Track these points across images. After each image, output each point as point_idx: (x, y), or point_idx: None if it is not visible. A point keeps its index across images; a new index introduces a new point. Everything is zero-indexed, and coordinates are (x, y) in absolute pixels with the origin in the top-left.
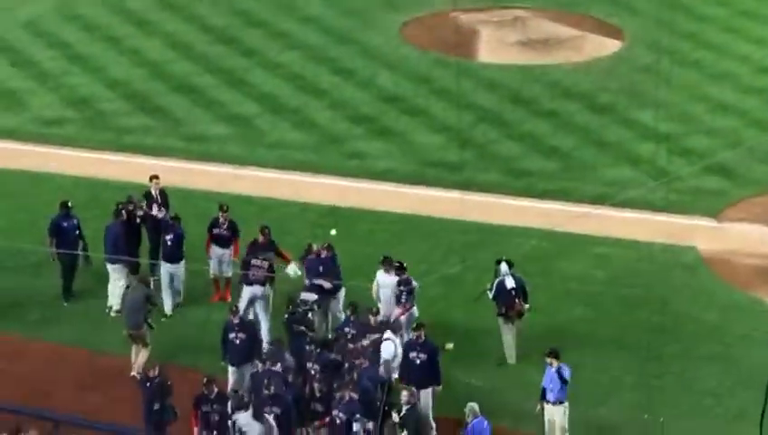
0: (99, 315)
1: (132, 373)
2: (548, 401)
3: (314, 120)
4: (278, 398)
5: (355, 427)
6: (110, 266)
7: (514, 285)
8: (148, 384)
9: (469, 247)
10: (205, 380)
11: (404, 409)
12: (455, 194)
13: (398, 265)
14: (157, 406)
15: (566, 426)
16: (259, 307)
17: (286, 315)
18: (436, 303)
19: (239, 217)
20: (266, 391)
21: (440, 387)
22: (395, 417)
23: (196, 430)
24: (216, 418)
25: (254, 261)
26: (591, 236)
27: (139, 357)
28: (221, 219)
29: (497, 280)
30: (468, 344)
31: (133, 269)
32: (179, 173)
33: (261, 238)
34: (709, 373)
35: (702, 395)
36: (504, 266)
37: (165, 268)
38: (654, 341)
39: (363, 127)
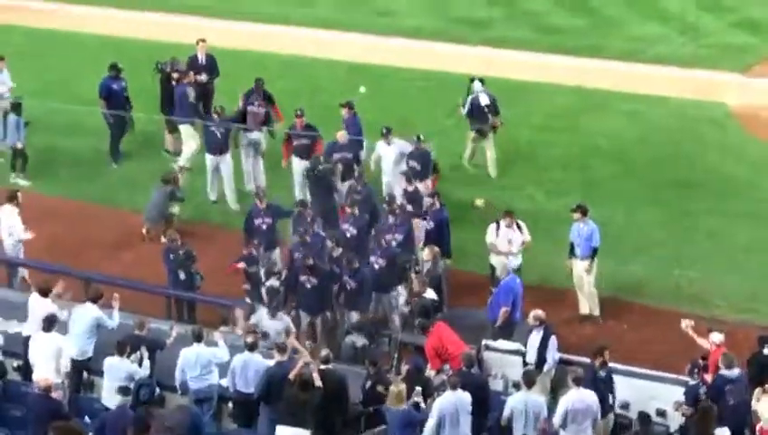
0: (140, 177)
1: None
2: (576, 257)
3: None
4: (315, 268)
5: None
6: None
7: (488, 102)
8: (171, 256)
9: (500, 103)
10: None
11: (425, 266)
12: (483, 51)
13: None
14: (183, 275)
15: (592, 281)
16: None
17: (305, 172)
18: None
19: (268, 75)
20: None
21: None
22: (420, 275)
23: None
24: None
25: (250, 108)
26: (620, 93)
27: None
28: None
29: (471, 97)
30: (497, 200)
31: (172, 129)
32: (215, 32)
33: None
34: (740, 229)
35: (733, 251)
36: (477, 84)
37: (209, 159)
38: (684, 197)
39: None
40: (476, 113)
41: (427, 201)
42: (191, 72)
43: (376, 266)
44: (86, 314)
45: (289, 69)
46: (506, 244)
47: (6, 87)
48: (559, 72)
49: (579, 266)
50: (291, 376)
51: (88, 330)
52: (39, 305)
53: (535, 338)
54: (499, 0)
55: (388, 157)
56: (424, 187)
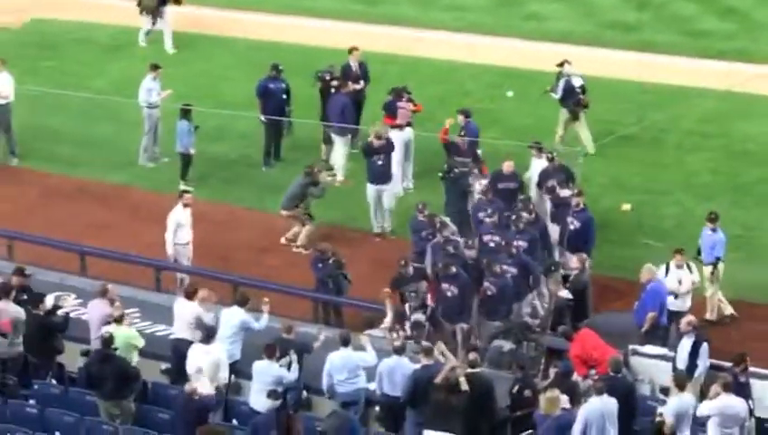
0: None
1: (294, 247)
2: (700, 261)
3: None
4: (457, 276)
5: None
6: (335, 137)
7: (582, 83)
8: (320, 265)
9: (646, 108)
10: (402, 262)
11: (572, 274)
12: (632, 55)
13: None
14: (331, 284)
15: (716, 288)
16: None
17: (441, 174)
18: (613, 163)
19: (417, 80)
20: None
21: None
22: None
23: None
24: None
25: (399, 103)
26: None
27: (301, 233)
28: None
29: (563, 79)
30: (644, 205)
31: (326, 139)
32: (359, 36)
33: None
34: None
35: None
36: (568, 66)
37: (372, 189)
38: None
39: None
40: (570, 95)
41: (573, 201)
42: (349, 82)
43: (508, 275)
44: (233, 317)
45: (437, 73)
46: (676, 284)
47: (159, 96)
48: (708, 77)
49: (704, 272)
50: (437, 380)
51: (235, 333)
52: (184, 309)
53: (687, 344)
54: (648, 3)
55: (536, 174)
56: (568, 191)
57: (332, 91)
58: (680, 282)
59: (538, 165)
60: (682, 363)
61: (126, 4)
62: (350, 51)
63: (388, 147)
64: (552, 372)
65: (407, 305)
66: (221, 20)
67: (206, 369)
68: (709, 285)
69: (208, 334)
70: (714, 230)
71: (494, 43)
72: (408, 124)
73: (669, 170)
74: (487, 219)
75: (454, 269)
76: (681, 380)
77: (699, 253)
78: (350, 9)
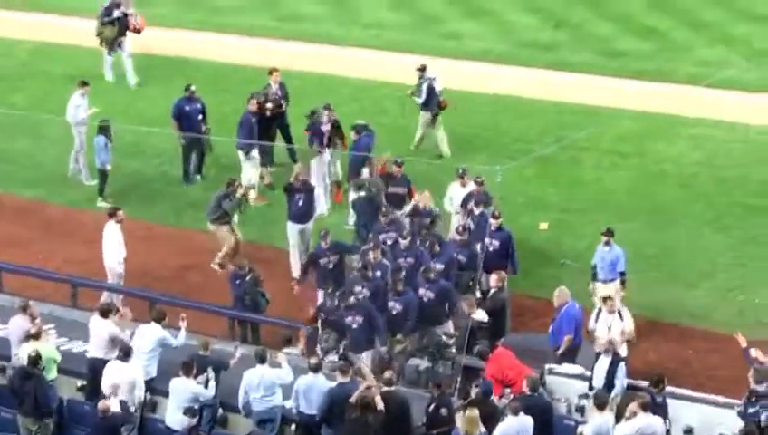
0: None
1: (211, 264)
2: (598, 280)
3: (410, 0)
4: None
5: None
6: (242, 157)
7: (442, 87)
8: (238, 282)
9: (564, 127)
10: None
11: (491, 292)
12: (549, 74)
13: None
14: (248, 300)
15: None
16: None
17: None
18: (531, 182)
19: (335, 98)
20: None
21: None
22: (471, 296)
23: None
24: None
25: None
26: (686, 117)
27: (221, 251)
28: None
29: (425, 84)
30: (562, 224)
31: (264, 161)
32: (274, 53)
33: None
34: None
35: None
36: (429, 71)
37: (293, 227)
38: (750, 222)
39: (459, 7)
40: (432, 99)
41: (491, 222)
42: (268, 103)
43: (425, 299)
44: (150, 333)
45: (355, 91)
46: (606, 330)
47: (85, 112)
48: (625, 97)
49: (600, 290)
50: (353, 399)
51: (152, 350)
52: (99, 327)
53: (604, 363)
54: (566, 23)
55: (458, 198)
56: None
57: (267, 114)
58: (609, 329)
59: (457, 188)
60: (599, 383)
61: (45, 19)
62: (270, 72)
63: (309, 186)
64: (474, 391)
65: (318, 346)
66: (137, 36)
67: (122, 387)
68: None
69: (125, 353)
70: (609, 245)
71: (413, 62)
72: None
73: (587, 190)
74: (401, 240)
75: (352, 300)
76: (601, 399)
77: (595, 275)
78: (267, 26)
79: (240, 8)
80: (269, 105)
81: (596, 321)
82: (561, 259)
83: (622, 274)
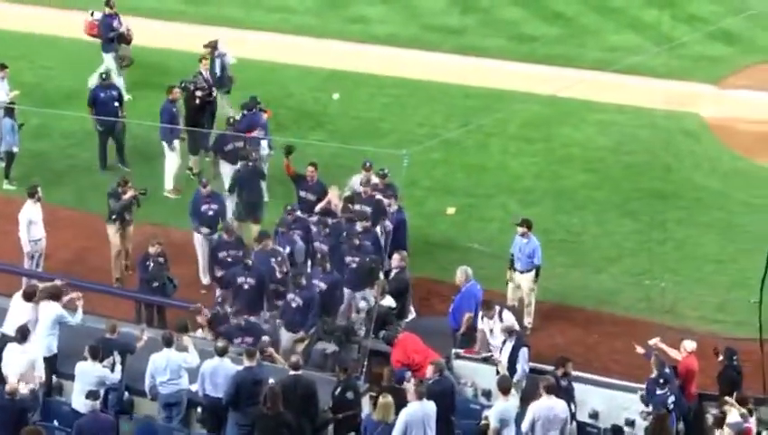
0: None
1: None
2: (515, 270)
3: None
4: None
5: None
6: (165, 145)
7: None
8: (147, 264)
9: (471, 112)
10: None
11: (393, 272)
12: (456, 59)
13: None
14: (155, 284)
15: (533, 295)
16: None
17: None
18: (438, 166)
19: (241, 82)
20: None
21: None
22: (381, 280)
23: None
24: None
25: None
26: (594, 102)
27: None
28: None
29: (219, 59)
30: (469, 209)
31: (191, 149)
32: (179, 36)
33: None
34: (711, 240)
35: (704, 261)
36: (221, 46)
37: (200, 237)
38: (656, 207)
39: None
40: (225, 75)
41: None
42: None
43: (316, 289)
44: (48, 311)
45: (261, 75)
46: (488, 332)
47: (7, 95)
48: (533, 81)
49: (517, 279)
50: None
51: (50, 327)
52: (21, 309)
53: (507, 348)
54: (473, 8)
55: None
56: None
57: (197, 101)
58: (491, 332)
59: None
60: (502, 368)
61: None
62: (201, 59)
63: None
64: (387, 375)
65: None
66: (44, 19)
67: (22, 368)
68: (526, 291)
69: (22, 335)
70: (526, 237)
71: (320, 46)
72: None
73: (493, 174)
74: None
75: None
76: (505, 383)
77: (512, 263)
78: (173, 9)
79: None
80: (198, 93)
81: (481, 320)
82: (468, 243)
83: (537, 266)
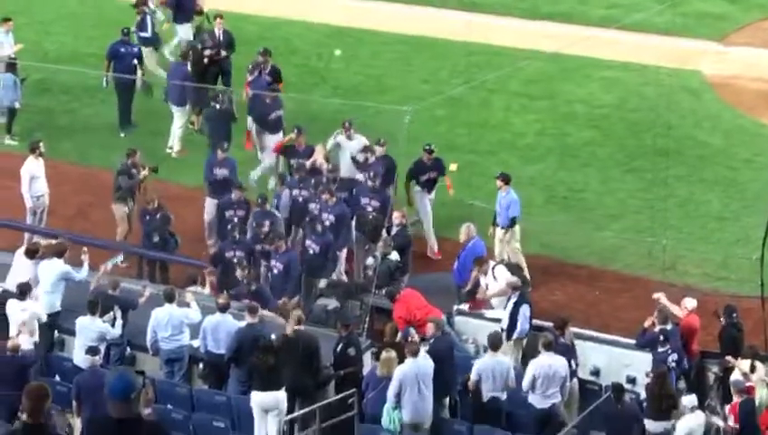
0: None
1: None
2: (497, 225)
3: None
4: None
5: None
6: (173, 108)
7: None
8: (147, 218)
9: (474, 68)
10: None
11: (394, 229)
12: (459, 15)
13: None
14: (156, 238)
15: (516, 247)
16: None
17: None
18: (441, 123)
19: (242, 38)
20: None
21: None
22: (385, 236)
23: None
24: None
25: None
26: (597, 59)
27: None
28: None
29: (150, 16)
30: (471, 165)
31: (196, 108)
32: None
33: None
34: (714, 197)
35: (706, 219)
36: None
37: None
38: (659, 164)
39: None
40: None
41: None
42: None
43: (310, 251)
44: (53, 268)
45: (263, 30)
46: (483, 291)
47: (11, 49)
48: (536, 38)
49: (498, 234)
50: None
51: (55, 283)
52: (23, 266)
53: (509, 305)
54: None
55: (349, 151)
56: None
57: (205, 61)
58: (486, 287)
59: (343, 141)
60: (504, 324)
61: None
62: (214, 18)
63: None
64: (389, 331)
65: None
66: None
67: (22, 323)
68: (499, 244)
69: (21, 291)
70: (503, 191)
71: (323, 2)
72: None
73: (496, 131)
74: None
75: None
76: (494, 339)
77: (495, 219)
78: None
79: None
80: (206, 52)
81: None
82: (470, 200)
83: (513, 220)
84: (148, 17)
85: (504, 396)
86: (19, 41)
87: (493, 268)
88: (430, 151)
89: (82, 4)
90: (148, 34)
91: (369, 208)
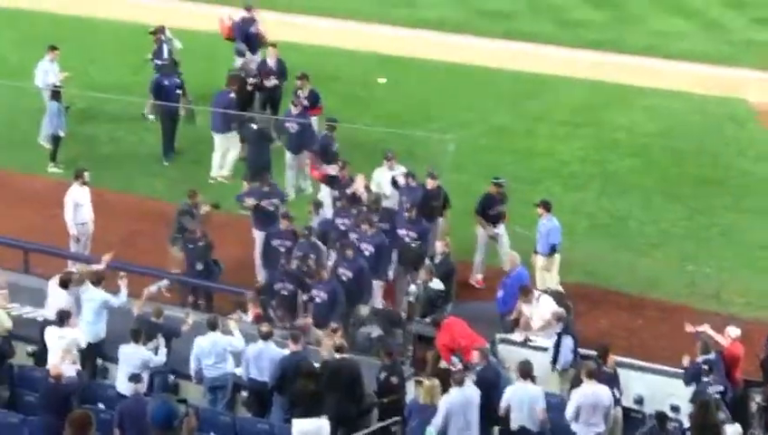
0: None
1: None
2: (536, 252)
3: None
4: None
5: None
6: (215, 135)
7: (181, 45)
8: (191, 247)
9: (518, 97)
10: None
11: (438, 257)
12: (505, 44)
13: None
14: (200, 266)
15: (555, 278)
16: None
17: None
18: (485, 151)
19: (289, 66)
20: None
21: None
22: (428, 264)
23: None
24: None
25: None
26: (641, 88)
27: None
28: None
29: (166, 44)
30: (516, 193)
31: (242, 138)
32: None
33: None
34: (757, 225)
35: (750, 248)
36: (167, 32)
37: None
38: (703, 193)
39: None
40: (172, 59)
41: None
42: (260, 79)
43: (343, 278)
44: (92, 297)
45: (309, 59)
46: (527, 320)
47: (57, 77)
48: (580, 67)
49: (537, 262)
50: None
51: (97, 312)
52: (58, 294)
53: (554, 335)
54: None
55: (386, 182)
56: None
57: (249, 88)
58: (530, 317)
59: (384, 172)
60: (550, 355)
61: None
62: (268, 47)
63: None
64: (432, 359)
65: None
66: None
67: (63, 349)
68: (546, 274)
69: (60, 318)
70: (544, 217)
71: (367, 30)
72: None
73: (540, 159)
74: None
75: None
76: (524, 367)
77: (536, 247)
78: None
79: None
80: (250, 80)
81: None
82: (514, 228)
83: (553, 247)
84: (165, 45)
85: (534, 426)
86: (65, 69)
87: (538, 298)
88: (499, 184)
89: (128, 33)
90: (164, 62)
91: (407, 240)
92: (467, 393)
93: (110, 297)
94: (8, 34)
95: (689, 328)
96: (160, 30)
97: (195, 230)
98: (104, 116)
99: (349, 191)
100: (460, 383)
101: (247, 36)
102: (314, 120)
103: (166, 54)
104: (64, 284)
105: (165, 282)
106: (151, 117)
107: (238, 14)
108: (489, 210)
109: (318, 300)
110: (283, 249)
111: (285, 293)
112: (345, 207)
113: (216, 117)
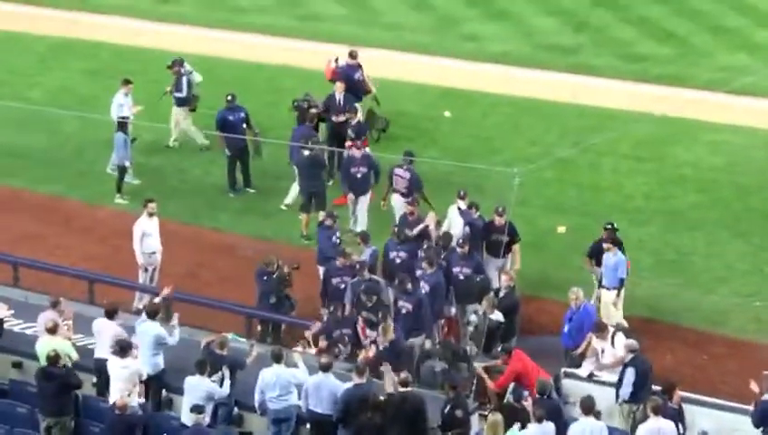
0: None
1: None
2: (603, 287)
3: (431, 2)
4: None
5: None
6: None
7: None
8: (265, 278)
9: (583, 131)
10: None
11: (502, 291)
12: (569, 77)
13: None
14: (273, 299)
15: (619, 313)
16: None
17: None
18: (550, 185)
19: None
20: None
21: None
22: (490, 296)
23: None
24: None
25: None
26: (706, 122)
27: None
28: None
29: (186, 78)
30: (581, 228)
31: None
32: (293, 52)
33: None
34: None
35: None
36: (187, 65)
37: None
38: (767, 228)
39: (479, 9)
40: (190, 93)
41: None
42: (328, 113)
43: (403, 311)
44: (147, 331)
45: (378, 92)
46: (600, 355)
47: (131, 111)
48: (644, 101)
49: (604, 296)
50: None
51: (153, 346)
52: (106, 328)
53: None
54: (587, 26)
55: (459, 223)
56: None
57: (312, 119)
58: (602, 353)
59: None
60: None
61: (64, 15)
62: (336, 82)
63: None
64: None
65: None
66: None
67: (125, 380)
68: (604, 307)
69: (121, 348)
70: (610, 252)
71: (432, 63)
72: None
73: (605, 194)
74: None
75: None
76: (586, 403)
77: (600, 281)
78: (287, 25)
79: (262, 8)
80: (313, 111)
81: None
82: (579, 263)
83: (621, 281)
84: (184, 78)
85: None
86: (137, 102)
87: (612, 335)
88: (613, 229)
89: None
90: (183, 95)
91: (461, 277)
92: (546, 429)
93: (165, 335)
94: (77, 65)
95: (754, 386)
96: (178, 63)
97: (272, 262)
98: (171, 148)
99: (417, 229)
100: (540, 420)
101: (352, 82)
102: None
103: (185, 87)
104: (110, 314)
105: (166, 291)
106: (228, 152)
107: (343, 59)
108: (600, 255)
109: (404, 311)
110: (342, 286)
111: (347, 339)
112: (405, 241)
113: (294, 150)
